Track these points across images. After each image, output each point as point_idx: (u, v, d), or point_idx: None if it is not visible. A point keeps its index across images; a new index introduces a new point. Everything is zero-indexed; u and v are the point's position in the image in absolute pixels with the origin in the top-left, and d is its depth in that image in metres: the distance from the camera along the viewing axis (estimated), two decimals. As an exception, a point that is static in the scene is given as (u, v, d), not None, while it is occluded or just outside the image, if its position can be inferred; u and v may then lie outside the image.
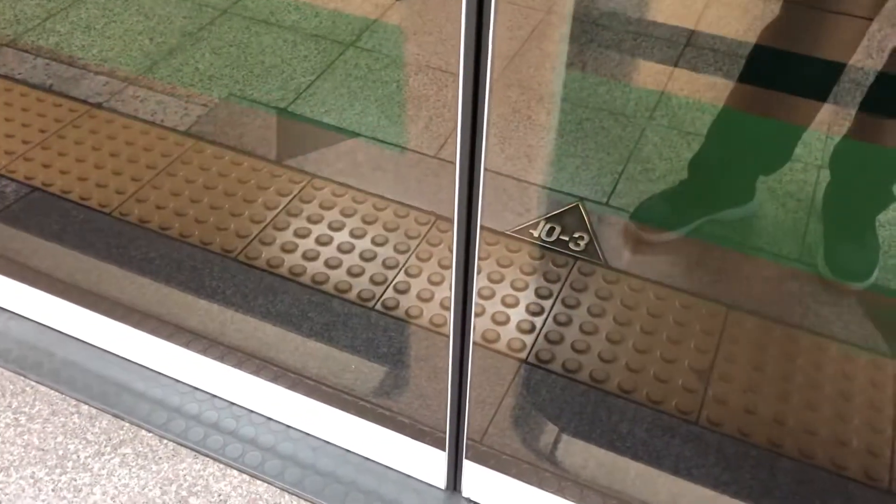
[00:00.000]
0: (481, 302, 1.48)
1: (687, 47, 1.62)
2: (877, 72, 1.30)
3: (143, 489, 1.28)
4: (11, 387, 1.42)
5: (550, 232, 1.58)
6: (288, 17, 1.99)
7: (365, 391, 1.36)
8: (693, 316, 1.45)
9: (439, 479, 1.28)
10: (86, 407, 1.39)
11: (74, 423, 1.37)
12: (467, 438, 1.23)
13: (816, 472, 1.27)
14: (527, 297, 1.48)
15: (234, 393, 1.39)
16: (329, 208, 1.65)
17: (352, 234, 1.60)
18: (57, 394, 1.41)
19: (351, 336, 1.44)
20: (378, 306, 1.48)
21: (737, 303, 1.47)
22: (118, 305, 1.47)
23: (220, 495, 1.28)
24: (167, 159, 1.75)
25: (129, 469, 1.31)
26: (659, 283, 1.50)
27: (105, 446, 1.34)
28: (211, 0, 2.02)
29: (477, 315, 1.45)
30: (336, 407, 1.33)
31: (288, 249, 1.58)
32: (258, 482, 1.29)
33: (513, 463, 1.25)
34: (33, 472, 1.30)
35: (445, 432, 1.22)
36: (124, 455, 1.33)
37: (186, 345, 1.42)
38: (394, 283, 1.52)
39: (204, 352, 1.41)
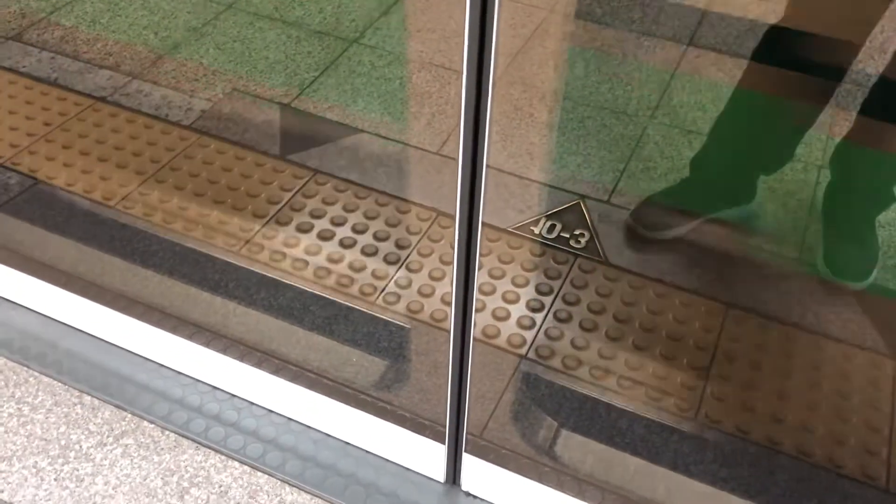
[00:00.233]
0: (482, 298, 1.48)
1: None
2: (878, 75, 1.31)
3: (145, 480, 1.29)
4: (14, 377, 1.43)
5: (551, 229, 1.58)
6: (292, 13, 2.00)
7: (365, 385, 1.37)
8: (692, 314, 1.46)
9: (439, 472, 1.29)
10: (88, 398, 1.40)
11: (77, 413, 1.38)
12: (467, 432, 1.24)
13: (814, 471, 1.28)
14: (527, 293, 1.49)
15: (235, 385, 1.40)
16: (331, 203, 1.66)
17: (354, 230, 1.61)
18: (59, 384, 1.42)
19: (352, 330, 1.45)
20: (379, 301, 1.49)
21: (736, 301, 1.47)
22: (121, 297, 1.48)
23: (221, 486, 1.29)
24: (171, 153, 1.76)
25: (131, 459, 1.32)
26: (659, 281, 1.51)
27: (107, 437, 1.35)
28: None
29: (478, 311, 1.46)
30: (337, 400, 1.34)
31: (290, 244, 1.59)
32: (259, 474, 1.30)
33: (512, 457, 1.26)
34: (36, 462, 1.31)
35: (445, 426, 1.23)
36: (126, 446, 1.33)
37: (189, 337, 1.43)
38: (395, 278, 1.53)
39: (206, 344, 1.41)
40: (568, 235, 1.57)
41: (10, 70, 1.92)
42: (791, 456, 1.29)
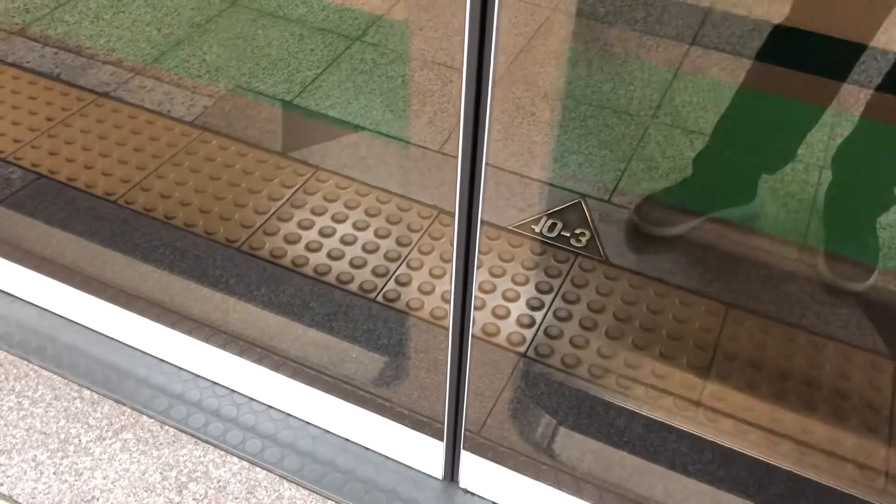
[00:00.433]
0: (482, 296, 1.49)
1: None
2: None
3: (144, 474, 1.30)
4: (15, 371, 1.43)
5: (552, 228, 1.58)
6: (295, 11, 2.00)
7: (365, 381, 1.37)
8: (692, 313, 1.46)
9: (437, 469, 1.29)
10: (88, 392, 1.40)
11: (76, 407, 1.38)
12: (465, 430, 1.24)
13: (812, 471, 1.28)
14: (527, 291, 1.49)
15: (235, 381, 1.41)
16: (333, 200, 1.66)
17: (355, 227, 1.61)
18: (59, 378, 1.42)
19: (352, 327, 1.45)
20: (379, 298, 1.49)
21: (736, 301, 1.47)
22: (122, 292, 1.49)
23: (219, 481, 1.29)
24: (173, 149, 1.76)
25: (130, 454, 1.32)
26: (659, 280, 1.51)
27: (106, 431, 1.35)
28: (219, -8, 2.03)
29: (477, 309, 1.46)
30: (336, 396, 1.34)
31: (291, 240, 1.59)
32: (258, 469, 1.31)
33: (510, 455, 1.26)
34: (35, 455, 1.32)
35: (444, 423, 1.24)
36: (125, 440, 1.34)
37: (189, 332, 1.43)
38: (395, 275, 1.53)
39: (206, 340, 1.42)
40: (569, 234, 1.57)
41: (14, 65, 1.93)
42: (789, 456, 1.29)
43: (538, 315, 1.46)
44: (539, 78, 1.78)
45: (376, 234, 1.60)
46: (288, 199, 1.66)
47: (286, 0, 2.02)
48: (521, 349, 1.42)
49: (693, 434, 1.31)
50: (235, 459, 1.32)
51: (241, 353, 1.40)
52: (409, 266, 1.55)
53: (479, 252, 1.05)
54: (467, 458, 1.26)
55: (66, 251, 1.57)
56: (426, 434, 1.28)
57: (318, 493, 1.28)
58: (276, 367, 1.38)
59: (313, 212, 1.64)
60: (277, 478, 1.30)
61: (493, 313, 1.46)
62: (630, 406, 1.34)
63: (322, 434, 1.35)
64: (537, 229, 1.59)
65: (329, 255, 1.56)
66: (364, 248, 1.57)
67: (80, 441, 1.34)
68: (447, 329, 1.14)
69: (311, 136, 1.80)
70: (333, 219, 1.63)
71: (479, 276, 1.51)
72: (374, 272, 1.53)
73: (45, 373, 1.43)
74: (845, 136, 1.45)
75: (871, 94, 1.34)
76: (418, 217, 1.64)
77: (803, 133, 1.49)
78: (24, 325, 1.50)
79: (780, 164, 1.56)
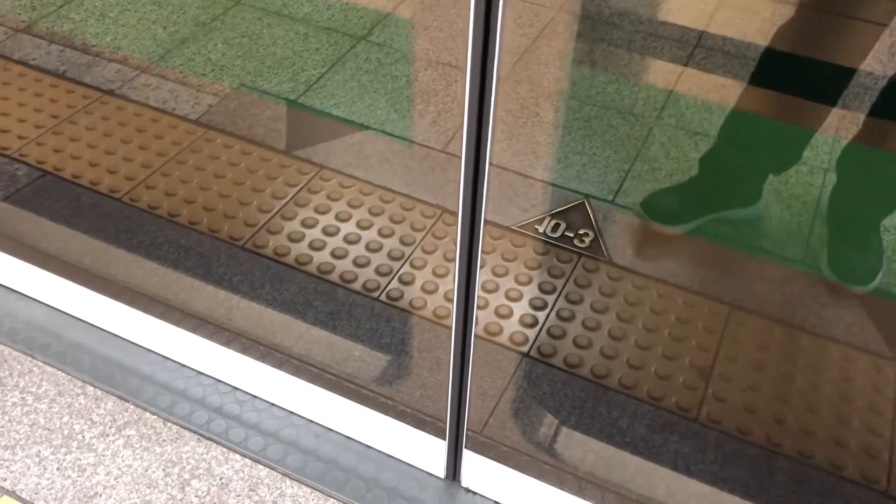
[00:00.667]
0: (485, 295, 1.49)
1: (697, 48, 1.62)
2: (888, 77, 1.31)
3: (147, 471, 1.30)
4: (19, 367, 1.44)
5: (556, 228, 1.59)
6: (300, 10, 2.01)
7: (367, 379, 1.37)
8: (695, 314, 1.46)
9: (439, 468, 1.29)
10: (91, 388, 1.41)
11: (80, 403, 1.39)
12: (468, 429, 1.24)
13: (814, 472, 1.28)
14: (530, 291, 1.50)
15: (238, 378, 1.41)
16: (336, 199, 1.67)
17: (358, 225, 1.62)
18: (63, 374, 1.43)
19: (355, 325, 1.46)
20: (382, 297, 1.50)
21: (739, 302, 1.47)
22: (126, 289, 1.49)
23: (222, 479, 1.29)
24: (177, 147, 1.76)
25: (133, 450, 1.33)
26: (662, 281, 1.51)
27: (110, 427, 1.35)
28: (224, -9, 2.04)
29: (480, 308, 1.46)
30: (339, 394, 1.35)
31: (295, 239, 1.59)
32: (260, 467, 1.31)
33: (512, 454, 1.26)
34: (39, 451, 1.32)
35: (446, 422, 1.24)
36: (129, 437, 1.34)
37: (193, 330, 1.43)
38: (399, 274, 1.53)
39: (210, 337, 1.42)
40: (572, 234, 1.57)
41: (19, 62, 1.93)
42: (791, 458, 1.29)
43: (541, 315, 1.46)
44: (543, 78, 1.78)
45: (380, 233, 1.60)
46: (292, 198, 1.67)
47: (291, -1, 2.02)
48: (524, 349, 1.42)
49: (696, 435, 1.31)
50: (238, 457, 1.32)
51: (244, 351, 1.40)
52: (412, 265, 1.55)
53: (483, 252, 1.06)
54: (469, 458, 1.26)
55: (71, 248, 1.58)
56: (428, 433, 1.28)
57: (320, 491, 1.28)
58: (278, 365, 1.38)
59: (317, 210, 1.64)
60: (279, 475, 1.30)
61: (496, 313, 1.46)
62: (632, 406, 1.34)
63: (324, 432, 1.35)
64: (541, 229, 1.59)
65: (332, 254, 1.57)
66: (367, 247, 1.58)
67: (83, 437, 1.34)
68: (450, 328, 1.14)
69: (316, 134, 1.81)
70: (337, 217, 1.63)
71: (482, 276, 1.51)
72: (377, 271, 1.54)
73: (50, 369, 1.43)
74: (850, 138, 1.45)
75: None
76: (422, 216, 1.64)
77: (809, 134, 1.49)
78: (28, 321, 1.50)
79: (787, 166, 1.56)
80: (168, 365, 1.44)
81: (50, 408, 1.38)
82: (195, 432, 1.35)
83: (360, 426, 1.34)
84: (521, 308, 1.47)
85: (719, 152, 1.56)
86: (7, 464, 1.30)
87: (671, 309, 1.47)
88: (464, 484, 1.29)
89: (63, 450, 1.32)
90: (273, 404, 1.39)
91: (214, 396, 1.39)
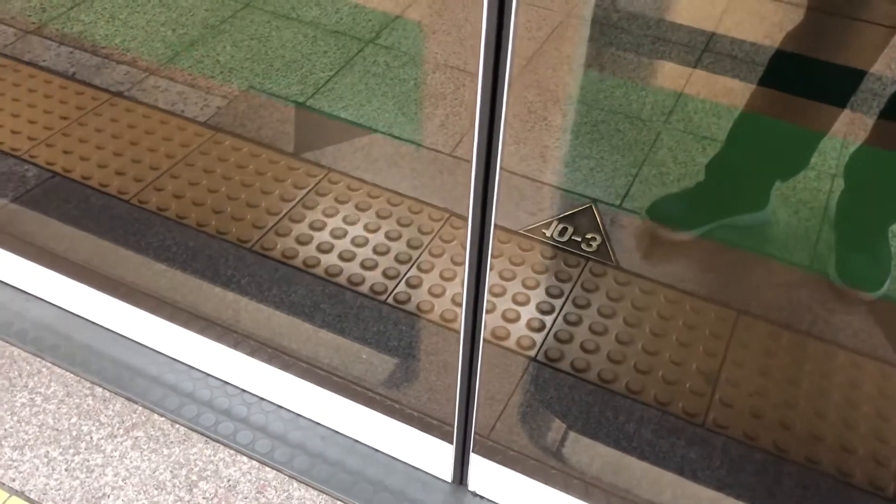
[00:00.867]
0: (492, 299, 1.49)
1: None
2: None
3: (154, 472, 1.31)
4: (28, 367, 1.44)
5: (563, 232, 1.59)
6: (309, 13, 2.01)
7: (374, 382, 1.37)
8: (703, 319, 1.46)
9: (446, 472, 1.30)
10: (100, 389, 1.41)
11: (89, 404, 1.39)
12: (475, 433, 1.24)
13: (821, 479, 1.28)
14: (538, 295, 1.50)
15: (245, 380, 1.41)
16: (344, 202, 1.67)
17: (366, 228, 1.62)
18: (72, 375, 1.43)
19: (362, 328, 1.46)
20: (390, 300, 1.50)
21: (747, 307, 1.47)
22: (134, 291, 1.50)
23: (229, 481, 1.30)
24: (186, 149, 1.77)
25: (141, 452, 1.33)
26: (669, 286, 1.51)
27: (118, 429, 1.36)
28: (233, -7, 2.05)
29: (488, 312, 1.46)
30: (346, 397, 1.35)
31: (303, 241, 1.60)
32: (267, 469, 1.31)
33: (519, 458, 1.26)
34: (47, 452, 1.33)
35: (453, 426, 1.24)
36: (136, 438, 1.35)
37: (200, 332, 1.44)
38: (406, 277, 1.54)
39: (217, 339, 1.43)
40: (579, 239, 1.57)
41: (29, 64, 1.94)
42: (798, 464, 1.29)
43: (548, 319, 1.46)
44: (551, 82, 1.78)
45: (387, 236, 1.61)
46: (300, 200, 1.67)
47: (300, 2, 2.03)
48: (531, 353, 1.42)
49: (702, 440, 1.31)
50: (245, 459, 1.32)
51: (251, 353, 1.41)
52: (419, 268, 1.55)
53: (491, 256, 1.06)
54: (476, 462, 1.26)
55: (80, 249, 1.58)
56: (435, 436, 1.29)
57: (327, 494, 1.28)
58: (286, 367, 1.39)
59: (325, 213, 1.65)
60: (287, 478, 1.30)
61: (504, 317, 1.47)
62: (639, 411, 1.34)
63: (331, 434, 1.35)
64: (548, 233, 1.59)
65: (340, 257, 1.57)
66: (375, 250, 1.58)
67: (91, 438, 1.34)
68: (457, 332, 1.14)
69: (324, 137, 1.81)
70: (345, 220, 1.63)
71: (489, 280, 1.51)
72: (384, 274, 1.54)
73: (58, 370, 1.44)
74: (858, 144, 1.45)
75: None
76: (429, 219, 1.64)
77: (817, 139, 1.49)
78: (37, 322, 1.51)
79: (794, 172, 1.56)
80: (176, 367, 1.45)
81: (58, 409, 1.38)
82: (203, 434, 1.35)
83: (366, 429, 1.34)
84: (528, 312, 1.47)
85: (726, 157, 1.56)
86: (16, 464, 1.31)
87: (678, 314, 1.47)
88: (470, 488, 1.30)
89: (71, 451, 1.33)
90: (280, 407, 1.39)
91: (222, 398, 1.39)
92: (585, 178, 1.66)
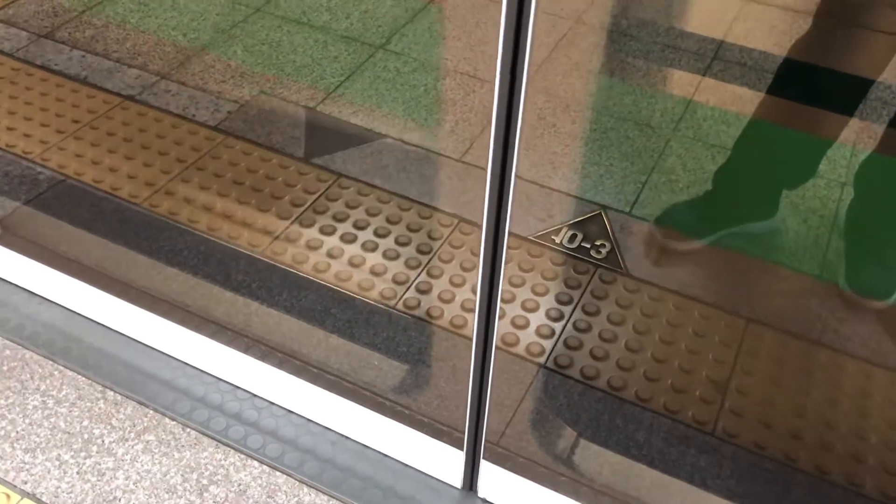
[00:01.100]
0: (502, 305, 1.49)
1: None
2: None
3: (165, 476, 1.31)
4: (40, 370, 1.45)
5: (572, 239, 1.59)
6: (319, 18, 2.02)
7: (384, 388, 1.38)
8: (712, 327, 1.46)
9: (456, 478, 1.30)
10: (111, 393, 1.42)
11: (100, 408, 1.40)
12: (485, 439, 1.25)
13: (831, 488, 1.28)
14: (547, 302, 1.50)
15: (256, 384, 1.42)
16: (354, 207, 1.68)
17: (376, 234, 1.62)
18: (84, 379, 1.44)
19: (372, 333, 1.46)
20: (399, 305, 1.50)
21: (756, 315, 1.47)
22: (146, 295, 1.50)
23: (240, 485, 1.30)
24: (197, 153, 1.78)
25: (152, 455, 1.33)
26: (679, 294, 1.51)
27: (129, 432, 1.37)
28: (244, -2, 2.05)
29: (498, 318, 1.46)
30: (356, 402, 1.35)
31: (313, 246, 1.60)
32: (278, 474, 1.32)
33: (529, 465, 1.27)
34: (59, 455, 1.33)
35: (464, 432, 1.24)
36: (148, 442, 1.35)
37: (211, 335, 1.44)
38: (416, 283, 1.54)
39: (229, 343, 1.43)
40: (589, 246, 1.58)
41: (42, 67, 1.95)
42: (808, 473, 1.29)
43: (557, 326, 1.47)
44: (560, 89, 1.79)
45: (397, 242, 1.61)
46: (310, 205, 1.68)
47: (311, 7, 2.04)
48: (541, 360, 1.42)
49: (712, 448, 1.31)
50: (256, 463, 1.33)
51: (262, 358, 1.41)
52: (429, 274, 1.56)
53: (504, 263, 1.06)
54: (486, 468, 1.27)
55: (91, 252, 1.59)
56: (446, 443, 1.29)
57: (336, 499, 1.29)
58: (296, 372, 1.39)
59: (335, 218, 1.65)
60: (297, 483, 1.31)
61: (513, 323, 1.47)
62: (649, 419, 1.34)
63: (341, 440, 1.36)
64: (557, 240, 1.59)
65: (350, 262, 1.57)
66: (385, 255, 1.59)
67: (103, 441, 1.35)
68: (467, 338, 1.15)
69: (334, 142, 1.82)
70: (355, 225, 1.64)
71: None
72: (394, 280, 1.54)
73: (70, 373, 1.45)
74: (868, 153, 1.45)
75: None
76: (439, 225, 1.65)
77: (824, 148, 1.49)
78: (49, 325, 1.51)
79: (801, 180, 1.56)
80: (187, 371, 1.45)
81: (70, 412, 1.39)
82: (214, 438, 1.35)
83: (376, 434, 1.34)
84: (537, 319, 1.47)
85: (732, 166, 1.56)
86: (28, 466, 1.31)
87: (688, 321, 1.47)
88: (480, 494, 1.30)
89: (83, 454, 1.33)
90: (291, 411, 1.40)
91: (233, 403, 1.40)
92: (595, 184, 1.66)
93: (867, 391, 1.37)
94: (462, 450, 1.26)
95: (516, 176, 0.97)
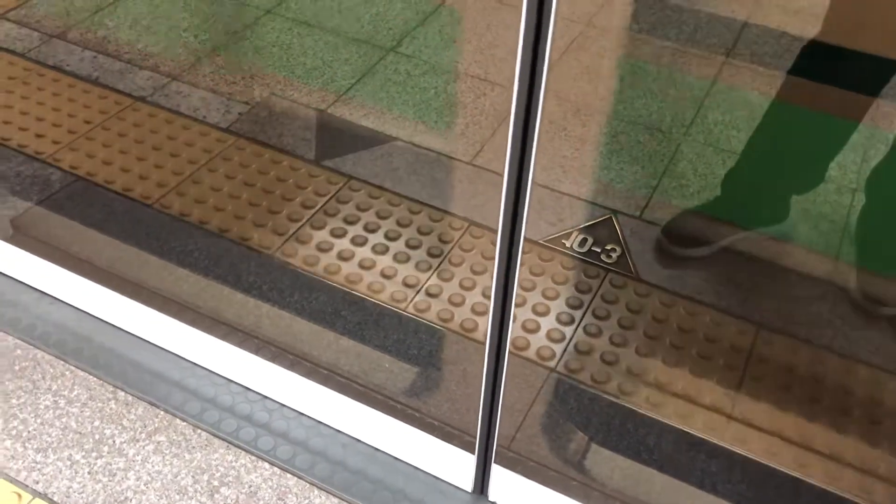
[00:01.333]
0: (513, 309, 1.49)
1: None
2: None
3: (176, 477, 1.31)
4: (51, 370, 1.46)
5: (583, 243, 1.59)
6: (330, 20, 2.02)
7: (395, 391, 1.38)
8: (723, 333, 1.46)
9: (467, 482, 1.30)
10: (122, 393, 1.42)
11: (111, 408, 1.40)
12: (496, 443, 1.25)
13: (841, 499, 1.28)
14: (557, 306, 1.50)
15: (267, 386, 1.42)
16: (365, 210, 1.68)
17: (386, 236, 1.63)
18: (95, 379, 1.44)
19: (383, 336, 1.47)
20: (410, 308, 1.51)
21: (767, 322, 1.47)
22: (157, 295, 1.51)
23: (250, 487, 1.30)
24: (208, 155, 1.78)
25: (163, 456, 1.34)
26: (689, 299, 1.51)
27: (140, 433, 1.37)
28: (255, 0, 2.06)
29: (508, 322, 1.47)
30: (367, 405, 1.35)
31: (324, 248, 1.60)
32: (288, 476, 1.32)
33: (540, 469, 1.27)
34: (70, 455, 1.34)
35: (475, 436, 1.24)
36: (159, 442, 1.36)
37: (222, 337, 1.45)
38: (426, 286, 1.54)
39: (239, 345, 1.43)
40: (599, 250, 1.58)
41: (54, 68, 1.96)
42: (819, 481, 1.29)
43: (568, 330, 1.47)
44: (571, 93, 1.79)
45: (407, 244, 1.61)
46: (321, 208, 1.68)
47: (321, 10, 2.04)
48: (551, 364, 1.42)
49: (723, 453, 1.31)
50: (266, 465, 1.33)
51: (273, 359, 1.41)
52: (439, 277, 1.56)
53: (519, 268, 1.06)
54: (497, 472, 1.27)
55: (103, 253, 1.60)
56: (456, 446, 1.29)
57: (347, 502, 1.29)
58: (307, 374, 1.40)
59: (346, 221, 1.66)
60: (308, 485, 1.31)
61: (524, 327, 1.47)
62: (660, 424, 1.34)
63: (352, 442, 1.36)
64: (568, 244, 1.59)
65: (360, 265, 1.58)
66: (395, 258, 1.59)
67: (114, 442, 1.35)
68: (477, 341, 1.15)
69: (345, 145, 1.82)
70: (366, 228, 1.64)
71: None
72: (404, 282, 1.55)
73: (81, 373, 1.45)
74: (879, 158, 1.45)
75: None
76: (449, 228, 1.65)
77: (831, 153, 1.49)
78: (61, 325, 1.52)
79: (810, 186, 1.56)
80: (198, 371, 1.45)
81: (81, 412, 1.39)
82: (224, 440, 1.36)
83: (387, 437, 1.34)
84: (548, 323, 1.47)
85: (739, 172, 1.56)
86: (39, 466, 1.32)
87: (698, 326, 1.47)
88: (491, 498, 1.30)
89: (94, 454, 1.34)
90: (301, 413, 1.40)
91: (244, 404, 1.40)
92: (605, 188, 1.66)
93: (878, 399, 1.37)
94: (473, 453, 1.26)
95: (533, 181, 0.97)
